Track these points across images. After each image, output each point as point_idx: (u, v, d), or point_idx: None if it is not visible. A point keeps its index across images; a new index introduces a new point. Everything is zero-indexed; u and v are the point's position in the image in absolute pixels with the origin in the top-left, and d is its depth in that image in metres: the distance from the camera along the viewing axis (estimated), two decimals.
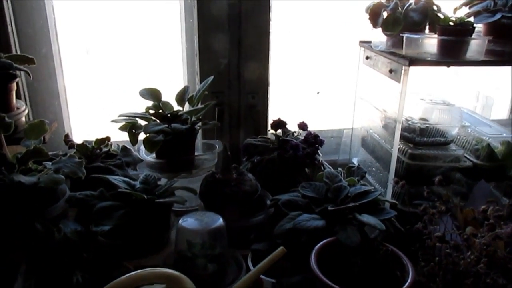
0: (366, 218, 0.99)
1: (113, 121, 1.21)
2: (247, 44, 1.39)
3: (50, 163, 1.00)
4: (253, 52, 1.41)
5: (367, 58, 1.41)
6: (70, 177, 0.96)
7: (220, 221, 0.97)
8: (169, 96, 1.32)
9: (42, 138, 1.06)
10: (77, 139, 1.40)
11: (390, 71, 1.24)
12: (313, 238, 0.99)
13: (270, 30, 1.40)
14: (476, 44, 1.18)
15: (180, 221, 0.98)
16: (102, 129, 1.31)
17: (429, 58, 1.17)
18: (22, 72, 1.21)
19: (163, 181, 1.19)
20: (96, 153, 1.23)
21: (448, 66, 1.19)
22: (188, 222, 0.97)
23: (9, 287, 0.87)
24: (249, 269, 0.98)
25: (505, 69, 1.44)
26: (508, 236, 0.82)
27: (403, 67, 1.17)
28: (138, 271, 0.76)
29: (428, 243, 0.92)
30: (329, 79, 1.61)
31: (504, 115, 1.88)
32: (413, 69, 1.17)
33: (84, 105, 1.54)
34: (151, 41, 1.50)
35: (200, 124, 1.26)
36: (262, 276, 0.93)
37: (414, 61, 1.16)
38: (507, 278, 0.84)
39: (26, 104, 1.30)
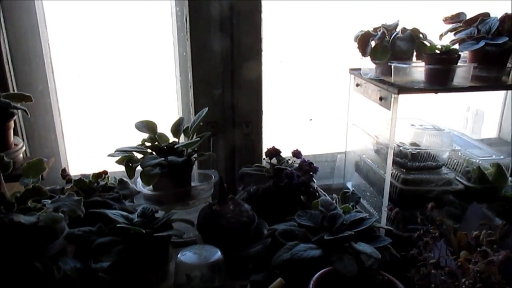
0: (362, 246, 1.01)
1: (109, 155, 1.23)
2: (240, 75, 1.42)
3: (49, 201, 1.01)
4: (246, 83, 1.44)
5: (357, 85, 1.44)
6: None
7: (219, 254, 0.99)
8: (164, 127, 1.34)
9: (40, 176, 1.07)
10: (74, 172, 1.42)
11: (380, 98, 1.27)
12: (310, 268, 1.00)
13: (262, 61, 1.44)
14: (462, 71, 1.22)
15: (179, 255, 0.99)
16: (98, 161, 1.33)
17: (417, 86, 1.21)
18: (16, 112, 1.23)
19: (160, 213, 1.20)
20: (94, 187, 1.24)
21: (436, 93, 1.22)
22: (186, 256, 0.99)
23: None
24: None
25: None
26: (501, 263, 0.84)
27: (393, 95, 1.20)
28: None
29: (423, 271, 0.94)
30: (322, 106, 1.65)
31: (493, 133, 1.92)
32: (402, 97, 1.20)
33: (79, 138, 1.55)
34: (145, 72, 1.52)
35: (196, 155, 1.28)
36: None
37: (403, 89, 1.19)
38: None
39: (23, 139, 1.32)
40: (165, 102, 1.56)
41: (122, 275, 1.06)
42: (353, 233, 1.04)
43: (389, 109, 1.23)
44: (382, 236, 1.07)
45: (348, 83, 1.49)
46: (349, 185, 1.59)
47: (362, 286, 0.96)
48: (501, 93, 1.87)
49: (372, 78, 1.33)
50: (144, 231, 1.07)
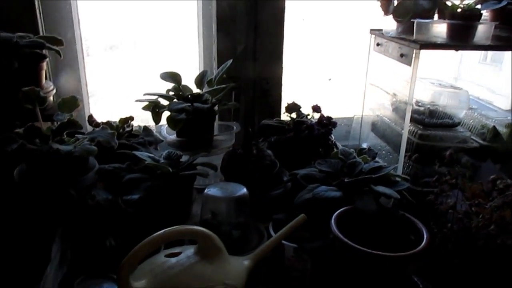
0: (381, 188, 1.05)
1: (137, 100, 1.26)
2: (263, 31, 1.45)
3: (82, 136, 1.05)
4: (268, 39, 1.47)
5: (377, 44, 1.47)
6: (103, 146, 1.01)
7: (244, 190, 1.03)
8: (186, 82, 1.38)
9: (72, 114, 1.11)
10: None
11: (401, 55, 1.30)
12: (330, 209, 1.04)
13: (285, 18, 1.46)
14: (483, 29, 1.24)
15: (205, 191, 1.03)
16: (120, 114, 1.37)
17: (439, 42, 1.23)
18: (48, 55, 1.26)
19: (184, 158, 1.25)
20: (120, 132, 1.28)
21: (457, 50, 1.25)
22: (213, 191, 1.03)
23: (47, 248, 0.92)
24: (270, 237, 1.03)
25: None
26: None
27: (414, 51, 1.23)
28: (175, 226, 0.81)
29: (441, 209, 0.98)
30: (341, 66, 1.67)
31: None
32: (423, 53, 1.23)
33: (101, 91, 1.60)
34: (167, 28, 1.56)
35: (219, 105, 1.32)
36: (283, 242, 0.99)
37: (425, 45, 1.22)
38: None
39: None
40: (187, 58, 1.60)
41: (149, 210, 1.11)
42: (372, 176, 1.08)
43: (410, 65, 1.26)
44: (400, 181, 1.11)
45: (368, 43, 1.51)
46: (364, 145, 1.63)
47: (381, 224, 1.00)
48: None
49: (394, 36, 1.36)
50: (171, 170, 1.11)
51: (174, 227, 0.81)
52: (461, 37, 1.23)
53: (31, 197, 1.02)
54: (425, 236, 0.92)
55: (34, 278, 0.83)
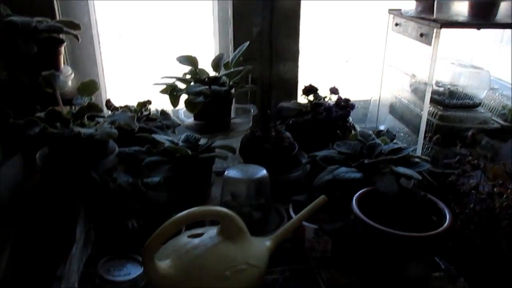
0: (402, 169, 1.04)
1: (155, 84, 1.27)
2: (279, 13, 1.44)
3: (102, 119, 1.06)
4: (284, 21, 1.45)
5: (396, 25, 1.44)
6: (122, 130, 1.02)
7: (264, 171, 1.03)
8: (201, 66, 1.37)
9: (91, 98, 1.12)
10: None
11: (421, 35, 1.28)
12: (349, 192, 1.04)
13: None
14: (505, 7, 1.21)
15: (225, 173, 1.04)
16: (135, 99, 1.37)
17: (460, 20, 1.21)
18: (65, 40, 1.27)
19: (202, 141, 1.25)
20: (138, 116, 1.29)
21: (479, 28, 1.22)
22: (233, 173, 1.03)
23: (71, 229, 0.93)
24: (290, 218, 1.03)
25: None
26: None
27: (435, 30, 1.21)
28: (198, 207, 0.81)
29: (463, 189, 0.97)
30: (357, 47, 1.65)
31: None
32: (443, 32, 1.20)
33: (117, 75, 1.60)
34: (182, 11, 1.55)
35: (236, 87, 1.31)
36: (304, 223, 0.99)
37: (445, 24, 1.19)
38: None
39: None
40: (203, 42, 1.59)
41: (169, 193, 1.12)
42: (393, 157, 1.07)
43: (430, 45, 1.24)
44: (421, 162, 1.10)
45: (386, 23, 1.49)
46: (381, 128, 1.61)
47: (402, 205, 0.99)
48: None
49: (413, 15, 1.34)
50: (190, 153, 1.11)
51: (197, 207, 0.81)
52: (483, 15, 1.21)
53: (54, 180, 1.03)
54: (447, 217, 0.91)
55: (60, 259, 0.85)
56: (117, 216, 0.97)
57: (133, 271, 0.89)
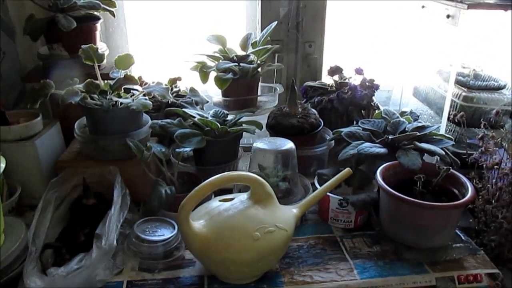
0: (426, 145, 1.07)
1: (186, 61, 1.31)
2: None
3: (137, 91, 1.11)
4: (311, 2, 1.48)
5: (422, 7, 1.45)
6: (159, 101, 1.06)
7: (291, 144, 1.07)
8: (230, 46, 1.41)
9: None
10: None
11: (448, 16, 1.29)
12: (373, 167, 1.07)
13: None
14: None
15: (254, 144, 1.08)
16: (165, 76, 1.42)
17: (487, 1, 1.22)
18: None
19: (229, 117, 1.29)
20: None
21: (506, 10, 1.23)
22: (261, 144, 1.07)
23: (110, 192, 0.99)
24: (315, 190, 1.06)
25: None
26: None
27: (462, 11, 1.22)
28: (231, 172, 0.86)
29: (486, 165, 0.99)
30: (382, 29, 1.66)
31: None
32: (470, 13, 1.22)
33: (147, 54, 1.64)
34: None
35: (264, 66, 1.35)
36: (329, 194, 1.03)
37: (473, 5, 1.21)
38: None
39: None
40: (231, 25, 1.62)
41: (197, 164, 1.17)
42: (417, 133, 1.10)
43: (456, 26, 1.25)
44: (444, 139, 1.12)
45: (412, 5, 1.50)
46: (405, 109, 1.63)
47: (425, 180, 1.01)
48: None
49: None
50: (219, 126, 1.16)
51: (230, 172, 0.86)
52: None
53: (91, 148, 1.09)
54: (470, 190, 0.93)
55: (100, 218, 0.90)
56: (151, 183, 1.03)
57: (166, 232, 0.94)
